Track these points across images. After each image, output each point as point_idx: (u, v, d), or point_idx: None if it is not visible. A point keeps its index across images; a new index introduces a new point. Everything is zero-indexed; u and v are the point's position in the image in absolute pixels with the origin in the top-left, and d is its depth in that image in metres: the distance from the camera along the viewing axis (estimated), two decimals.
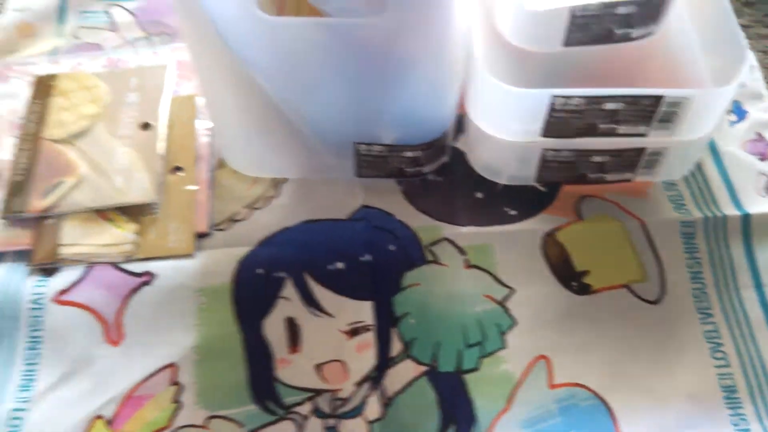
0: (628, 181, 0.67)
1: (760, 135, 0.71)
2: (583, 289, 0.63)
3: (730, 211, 0.66)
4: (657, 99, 0.58)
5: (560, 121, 0.60)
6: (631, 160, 0.64)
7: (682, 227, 0.66)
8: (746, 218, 0.66)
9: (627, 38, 0.61)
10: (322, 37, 0.55)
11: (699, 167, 0.69)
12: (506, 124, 0.62)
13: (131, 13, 0.81)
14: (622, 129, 0.61)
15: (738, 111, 0.73)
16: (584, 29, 0.59)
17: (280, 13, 0.56)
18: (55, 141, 0.69)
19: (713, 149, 0.71)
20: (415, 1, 0.53)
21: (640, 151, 0.63)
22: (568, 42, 0.60)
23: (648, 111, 0.59)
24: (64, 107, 0.71)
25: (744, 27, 0.76)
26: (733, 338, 0.62)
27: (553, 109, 0.59)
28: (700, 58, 0.66)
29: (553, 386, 0.59)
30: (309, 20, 0.54)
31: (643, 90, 0.58)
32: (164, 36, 0.79)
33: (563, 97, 0.58)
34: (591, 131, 0.61)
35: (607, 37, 0.60)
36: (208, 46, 0.58)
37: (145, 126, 0.70)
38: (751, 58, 0.75)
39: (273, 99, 0.60)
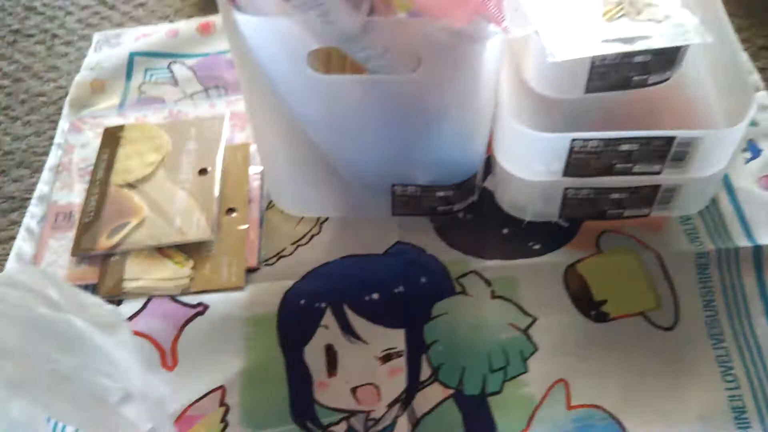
0: (645, 216, 0.71)
1: None
2: (601, 317, 0.67)
3: (743, 242, 0.70)
4: (669, 140, 0.62)
5: (580, 162, 0.64)
6: (647, 196, 0.68)
7: (696, 258, 0.69)
8: (758, 249, 0.69)
9: (644, 84, 0.65)
10: (364, 92, 0.61)
11: (714, 202, 0.73)
12: (530, 166, 0.67)
13: (190, 69, 0.89)
14: (637, 168, 0.65)
15: (753, 149, 0.76)
16: (604, 77, 0.64)
17: (327, 70, 0.62)
18: (122, 186, 0.77)
19: (728, 186, 0.74)
20: (447, 58, 0.58)
21: (655, 188, 0.67)
22: (589, 89, 0.65)
23: (661, 151, 0.63)
24: (130, 155, 0.79)
25: (761, 69, 0.80)
26: (743, 361, 0.65)
27: (572, 151, 0.64)
28: (714, 100, 0.70)
29: (570, 408, 0.63)
30: (352, 77, 0.60)
31: (655, 132, 0.62)
32: (220, 89, 0.87)
33: (582, 140, 0.63)
34: (608, 170, 0.65)
35: (625, 84, 0.65)
36: (262, 99, 0.65)
37: (203, 171, 0.77)
38: (766, 99, 0.79)
39: (318, 146, 0.67)
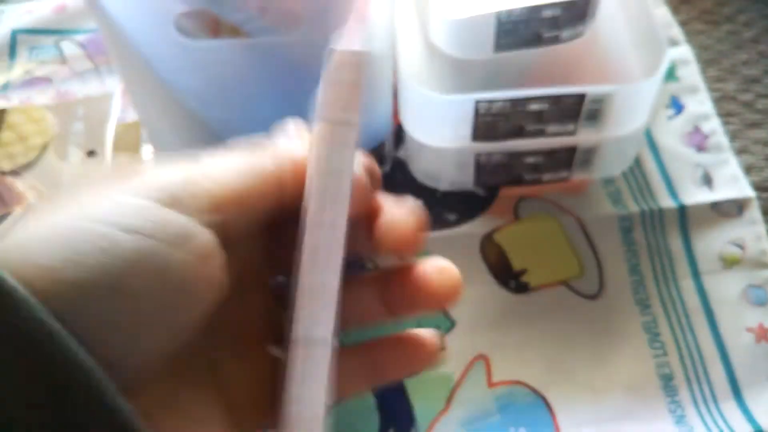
0: (565, 179, 0.67)
1: (697, 127, 0.71)
2: (521, 288, 0.64)
3: (668, 203, 0.67)
4: (580, 97, 0.58)
5: (488, 124, 0.60)
6: (565, 158, 0.64)
7: (619, 222, 0.66)
8: (683, 210, 0.66)
9: (556, 40, 0.61)
10: (243, 57, 0.55)
11: (638, 163, 0.69)
12: (437, 132, 0.62)
13: (80, 45, 0.82)
14: (550, 129, 0.61)
15: (676, 105, 0.73)
16: (513, 34, 0.60)
17: (216, 35, 0.57)
18: (5, 173, 0.71)
19: (652, 144, 0.71)
20: (329, 16, 0.53)
21: (572, 149, 0.64)
22: (499, 47, 0.61)
23: (573, 109, 0.59)
24: (12, 141, 0.73)
25: (681, 23, 0.77)
26: (671, 327, 0.61)
27: (478, 114, 0.59)
28: (631, 55, 0.66)
29: (491, 385, 0.59)
30: (227, 41, 0.55)
31: (563, 89, 0.58)
32: (111, 65, 0.81)
33: (486, 101, 0.58)
34: (519, 133, 0.61)
35: (537, 40, 0.61)
36: (137, 73, 0.59)
37: (91, 153, 0.72)
38: (687, 53, 0.75)
39: (205, 120, 0.61)
